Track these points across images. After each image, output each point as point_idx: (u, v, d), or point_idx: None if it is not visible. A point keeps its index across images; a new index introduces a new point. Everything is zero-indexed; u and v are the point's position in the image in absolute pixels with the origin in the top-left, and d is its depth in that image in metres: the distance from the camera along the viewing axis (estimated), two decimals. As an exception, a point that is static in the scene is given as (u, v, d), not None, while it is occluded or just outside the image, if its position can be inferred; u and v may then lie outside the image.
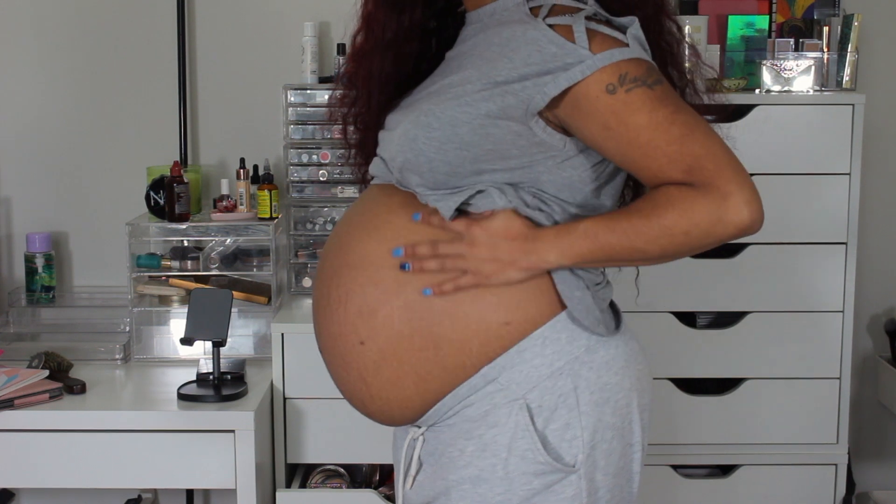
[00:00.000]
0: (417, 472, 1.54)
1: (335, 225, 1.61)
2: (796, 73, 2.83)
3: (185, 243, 2.92)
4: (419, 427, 1.54)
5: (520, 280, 1.44)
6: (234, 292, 2.64)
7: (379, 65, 1.60)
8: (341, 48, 2.95)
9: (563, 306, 1.47)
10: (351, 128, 1.68)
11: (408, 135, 1.46)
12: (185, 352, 2.75)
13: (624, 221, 1.40)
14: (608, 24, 1.42)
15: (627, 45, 1.40)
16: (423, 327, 1.45)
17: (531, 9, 1.45)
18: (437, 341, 1.45)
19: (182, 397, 2.51)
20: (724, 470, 2.89)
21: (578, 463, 1.45)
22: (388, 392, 1.49)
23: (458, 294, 1.44)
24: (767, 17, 2.96)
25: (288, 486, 2.70)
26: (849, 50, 2.86)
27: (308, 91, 2.92)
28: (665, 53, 1.53)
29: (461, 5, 1.60)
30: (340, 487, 2.69)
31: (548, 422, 1.45)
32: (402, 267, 1.45)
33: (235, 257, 2.88)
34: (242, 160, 2.91)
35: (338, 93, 1.70)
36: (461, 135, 1.42)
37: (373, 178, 1.60)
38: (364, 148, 1.67)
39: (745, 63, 2.92)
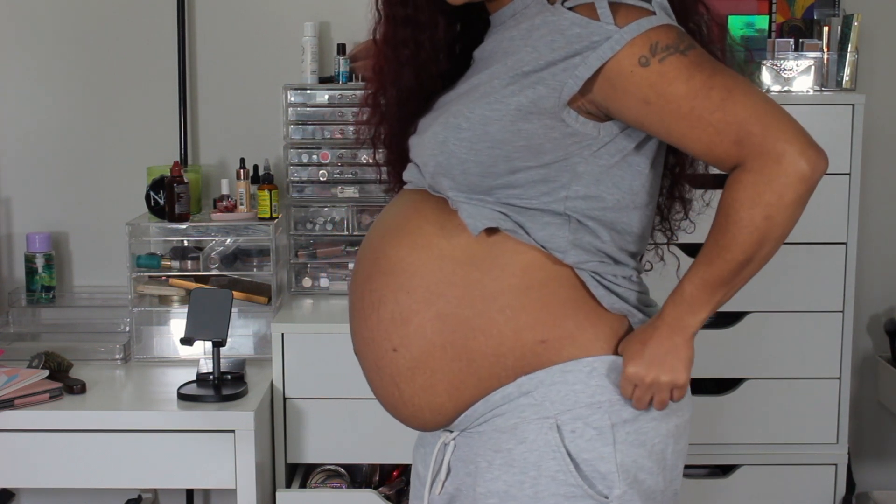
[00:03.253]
0: (446, 478, 1.51)
1: (369, 229, 1.58)
2: (796, 73, 2.83)
3: (185, 243, 2.92)
4: (451, 431, 1.52)
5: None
6: (234, 292, 2.64)
7: (397, 81, 1.55)
8: (341, 48, 2.95)
9: (601, 320, 1.46)
10: (380, 149, 1.65)
11: (437, 138, 1.44)
12: (185, 352, 2.74)
13: (711, 247, 1.40)
14: None
15: (654, 13, 1.37)
16: (457, 339, 1.44)
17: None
18: (470, 354, 1.44)
19: (182, 397, 2.51)
20: (724, 470, 2.89)
21: (613, 497, 1.43)
22: (420, 398, 1.47)
23: (491, 312, 1.43)
24: (767, 17, 2.96)
25: (288, 486, 2.70)
26: (849, 50, 2.86)
27: (308, 91, 2.92)
28: (694, 35, 1.47)
29: (485, 12, 1.55)
30: (340, 487, 2.69)
31: (581, 450, 1.42)
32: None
33: (235, 257, 2.88)
34: (242, 160, 2.91)
35: (364, 116, 1.65)
36: (492, 133, 1.39)
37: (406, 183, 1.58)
38: (396, 165, 1.64)
39: (745, 63, 2.92)
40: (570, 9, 1.37)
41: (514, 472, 1.43)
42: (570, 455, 1.42)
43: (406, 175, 1.57)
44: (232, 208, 2.86)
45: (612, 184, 1.43)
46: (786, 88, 2.83)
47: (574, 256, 1.43)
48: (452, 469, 1.51)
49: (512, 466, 1.43)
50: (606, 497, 1.42)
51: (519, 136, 1.39)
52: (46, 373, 2.54)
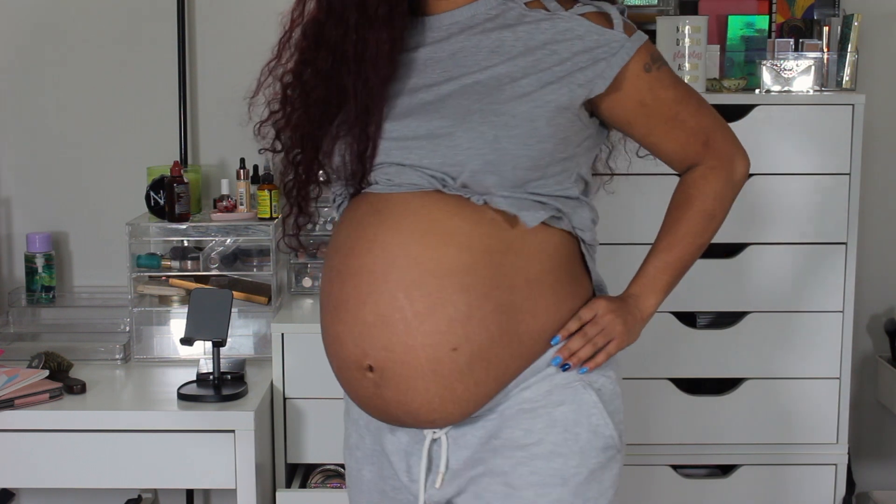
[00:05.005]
0: (446, 470, 1.57)
1: (351, 240, 1.55)
2: (796, 73, 2.83)
3: (185, 243, 2.92)
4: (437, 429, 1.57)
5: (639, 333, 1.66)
6: (234, 292, 2.64)
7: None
8: (341, 48, 2.95)
9: (591, 286, 1.64)
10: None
11: (485, 137, 1.48)
12: (185, 352, 2.75)
13: (673, 234, 1.65)
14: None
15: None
16: (511, 326, 1.51)
17: (527, 3, 1.53)
18: (520, 337, 1.53)
19: (182, 397, 2.51)
20: (724, 470, 2.89)
21: (622, 447, 1.60)
22: (471, 393, 1.52)
23: (536, 296, 1.53)
24: (767, 17, 2.96)
25: (288, 486, 2.70)
26: (849, 50, 2.86)
27: (308, 91, 2.91)
28: None
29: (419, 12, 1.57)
30: (340, 487, 2.69)
31: (607, 404, 1.58)
32: (562, 366, 1.56)
33: (235, 257, 2.88)
34: (242, 160, 2.91)
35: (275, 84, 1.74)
36: (539, 129, 1.49)
37: (369, 185, 1.56)
38: (308, 154, 1.67)
39: (745, 63, 2.92)
40: (581, 16, 1.52)
41: (558, 431, 1.54)
42: (606, 410, 1.57)
43: (394, 178, 1.52)
44: (232, 208, 2.86)
45: (591, 168, 1.64)
46: (786, 88, 2.83)
47: (590, 234, 1.61)
48: (451, 458, 1.56)
49: (554, 426, 1.54)
50: (620, 449, 1.59)
51: (559, 131, 1.51)
52: (46, 373, 2.54)
